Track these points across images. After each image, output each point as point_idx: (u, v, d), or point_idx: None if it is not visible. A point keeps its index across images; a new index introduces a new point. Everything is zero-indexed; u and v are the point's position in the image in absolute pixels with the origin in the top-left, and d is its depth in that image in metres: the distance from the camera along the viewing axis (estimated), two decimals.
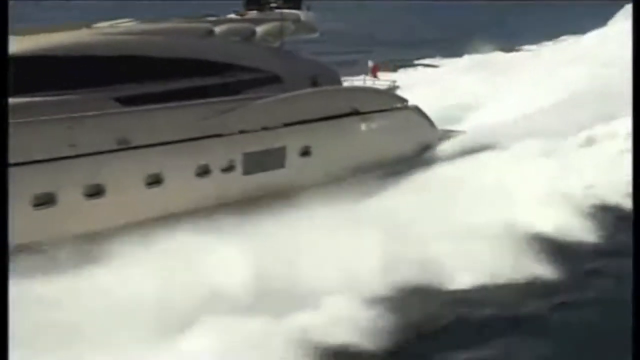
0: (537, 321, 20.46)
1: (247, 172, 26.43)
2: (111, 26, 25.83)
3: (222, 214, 22.54)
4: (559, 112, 38.23)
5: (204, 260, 20.33)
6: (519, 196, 27.29)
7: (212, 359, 16.81)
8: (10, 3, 16.46)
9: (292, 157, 27.85)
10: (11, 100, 15.41)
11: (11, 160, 15.20)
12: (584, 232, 26.35)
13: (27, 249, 18.65)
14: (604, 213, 28.04)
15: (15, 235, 14.49)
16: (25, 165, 20.30)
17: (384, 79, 34.98)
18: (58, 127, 21.66)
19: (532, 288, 22.22)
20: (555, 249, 24.53)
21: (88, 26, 25.89)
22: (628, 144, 26.81)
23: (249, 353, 17.11)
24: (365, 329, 18.60)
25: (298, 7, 31.13)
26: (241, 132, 26.26)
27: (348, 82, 33.47)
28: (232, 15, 29.58)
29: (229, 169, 25.97)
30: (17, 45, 19.83)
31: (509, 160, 31.24)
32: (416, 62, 70.92)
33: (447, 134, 36.28)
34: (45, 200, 21.27)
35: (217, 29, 26.85)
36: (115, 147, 22.62)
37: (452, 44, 75.87)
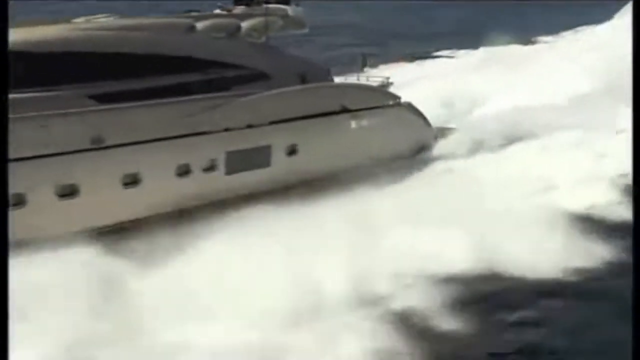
0: None
1: (230, 171, 25.69)
2: (89, 21, 25.10)
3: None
4: (583, 103, 38.62)
5: None
6: (557, 182, 28.63)
7: None
8: (11, 3, 15.96)
9: (278, 156, 27.09)
10: None
11: None
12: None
13: None
14: None
15: None
16: None
17: (377, 76, 34.20)
18: (30, 125, 20.94)
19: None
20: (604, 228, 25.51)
21: (67, 21, 25.24)
22: None
23: None
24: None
25: (287, 3, 30.37)
26: (224, 130, 25.54)
27: (343, 79, 32.92)
28: (218, 11, 28.80)
29: (211, 168, 25.24)
30: None
31: (541, 151, 32.41)
32: (434, 54, 71.90)
33: (442, 132, 35.50)
34: (14, 202, 20.52)
35: (199, 25, 26.10)
36: (89, 146, 21.91)
37: (468, 37, 76.53)
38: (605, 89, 40.31)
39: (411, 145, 32.16)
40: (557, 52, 59.89)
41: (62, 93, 21.87)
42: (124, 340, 16.95)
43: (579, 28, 79.22)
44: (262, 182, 26.51)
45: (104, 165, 22.39)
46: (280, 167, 27.11)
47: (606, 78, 42.30)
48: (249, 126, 26.24)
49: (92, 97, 22.63)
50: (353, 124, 29.70)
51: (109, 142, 22.32)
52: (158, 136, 23.58)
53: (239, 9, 29.00)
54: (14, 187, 20.47)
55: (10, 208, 20.39)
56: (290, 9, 29.50)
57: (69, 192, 21.79)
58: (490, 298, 21.04)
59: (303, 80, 28.58)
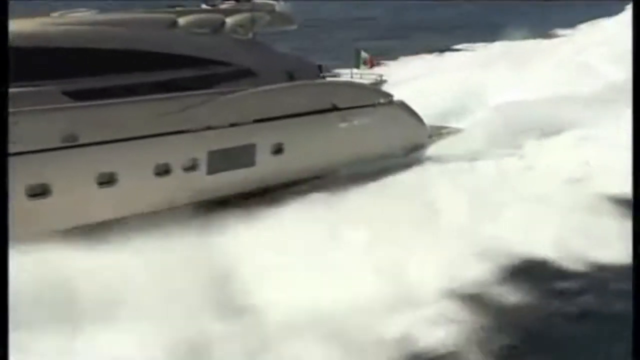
0: None
1: (212, 171, 25.01)
2: (67, 16, 24.44)
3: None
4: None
5: None
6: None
7: None
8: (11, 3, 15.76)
9: (263, 155, 26.39)
10: None
11: None
12: None
13: None
14: None
15: None
16: None
17: (370, 73, 33.45)
18: None
19: None
20: None
21: (46, 15, 24.59)
22: None
23: None
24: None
25: None
26: (206, 128, 24.86)
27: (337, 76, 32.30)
28: (204, 6, 28.09)
29: (192, 167, 24.57)
30: None
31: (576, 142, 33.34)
32: (455, 46, 73.52)
33: (439, 131, 34.71)
34: None
35: (182, 20, 25.42)
36: (60, 144, 21.26)
37: (487, 32, 77.85)
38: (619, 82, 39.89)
39: (403, 145, 31.34)
40: (571, 46, 60.43)
41: (35, 89, 21.22)
42: None
43: (594, 21, 78.84)
44: (246, 182, 25.86)
45: (77, 164, 21.73)
46: (265, 166, 26.43)
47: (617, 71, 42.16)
48: (233, 124, 25.56)
49: (66, 93, 21.96)
50: (342, 123, 28.96)
51: (83, 140, 21.66)
52: (135, 134, 22.91)
53: (226, 5, 28.30)
54: None
55: None
56: (277, 5, 28.75)
57: (40, 191, 21.17)
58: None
59: (291, 77, 27.87)
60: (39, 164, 20.89)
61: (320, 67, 31.36)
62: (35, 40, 21.99)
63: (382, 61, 34.52)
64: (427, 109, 34.67)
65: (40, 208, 21.03)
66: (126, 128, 22.75)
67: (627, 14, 63.01)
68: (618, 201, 26.10)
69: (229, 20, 26.73)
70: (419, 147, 32.53)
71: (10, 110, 20.11)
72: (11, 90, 20.47)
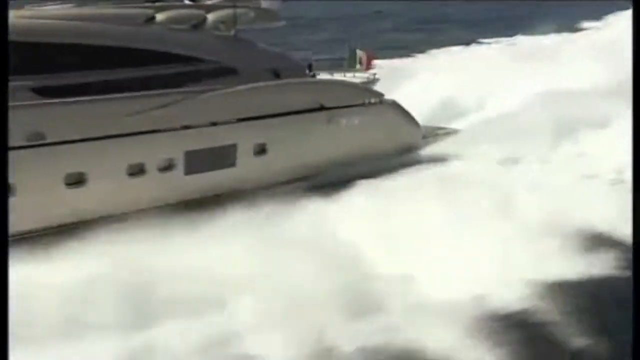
0: None
1: (190, 171, 24.21)
2: (38, 9, 23.72)
3: None
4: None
5: None
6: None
7: None
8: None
9: (245, 156, 25.55)
10: None
11: None
12: None
13: None
14: None
15: None
16: None
17: (364, 72, 32.58)
18: None
19: None
20: None
21: (20, 8, 23.86)
22: None
23: None
24: None
25: None
26: (184, 127, 24.09)
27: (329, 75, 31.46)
28: (187, 2, 27.30)
29: (168, 168, 23.78)
30: None
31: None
32: (480, 40, 73.71)
33: (434, 132, 33.79)
34: None
35: (160, 16, 24.61)
36: (25, 142, 20.51)
37: (513, 26, 79.20)
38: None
39: (395, 145, 30.36)
40: (598, 37, 59.95)
41: None
42: None
43: (618, 12, 78.11)
44: (226, 183, 25.03)
45: (44, 164, 20.98)
46: (246, 167, 25.60)
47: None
48: (213, 124, 24.76)
49: (35, 90, 21.23)
50: (329, 123, 28.06)
51: (50, 139, 20.90)
52: (107, 133, 22.14)
53: (209, 0, 27.50)
54: None
55: None
56: (263, 1, 27.91)
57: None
58: None
59: (276, 75, 27.03)
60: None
61: (310, 66, 30.58)
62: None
63: (375, 60, 33.41)
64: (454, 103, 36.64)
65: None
66: (97, 126, 21.96)
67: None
68: None
69: (211, 17, 25.89)
70: (412, 148, 31.59)
71: None
72: None
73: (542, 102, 35.56)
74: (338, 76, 31.75)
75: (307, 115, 27.31)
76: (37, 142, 20.72)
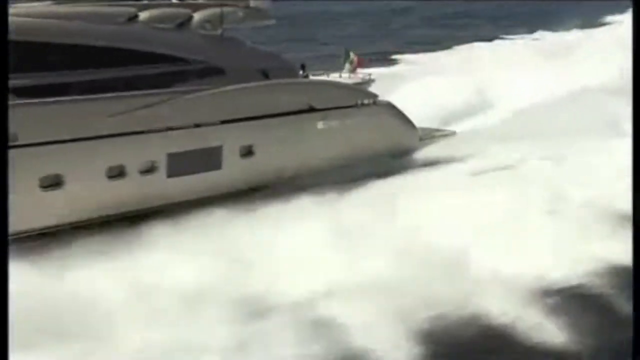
0: None
1: (172, 174, 23.61)
2: (15, 7, 23.10)
3: None
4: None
5: None
6: None
7: None
8: None
9: (231, 158, 24.94)
10: None
11: None
12: None
13: None
14: None
15: None
16: None
17: (359, 72, 31.93)
18: None
19: None
20: None
21: None
22: None
23: None
24: None
25: None
26: (167, 129, 23.48)
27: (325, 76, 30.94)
28: (173, 0, 26.68)
29: (149, 170, 23.19)
30: None
31: None
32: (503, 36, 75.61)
33: (432, 134, 33.07)
34: None
35: (144, 14, 24.00)
36: None
37: (537, 22, 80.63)
38: None
39: (389, 148, 29.69)
40: (611, 36, 59.58)
41: None
42: None
43: None
44: (211, 186, 24.43)
45: (17, 166, 20.36)
46: (233, 169, 24.99)
47: None
48: (197, 125, 24.16)
49: (12, 90, 20.63)
50: (320, 124, 27.42)
51: (22, 141, 20.30)
52: (86, 135, 21.57)
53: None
54: None
55: None
56: (252, 1, 27.24)
57: None
58: None
59: (265, 76, 26.40)
60: None
61: (302, 66, 29.96)
62: None
63: (369, 62, 33.00)
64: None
65: None
66: (75, 127, 21.40)
67: None
68: None
69: (197, 16, 25.27)
70: (408, 150, 30.90)
71: None
72: None
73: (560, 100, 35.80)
74: (334, 77, 31.18)
75: (296, 116, 26.68)
76: (10, 143, 20.10)
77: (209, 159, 24.45)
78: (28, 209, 20.58)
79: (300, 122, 26.79)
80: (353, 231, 21.93)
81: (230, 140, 24.86)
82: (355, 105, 28.69)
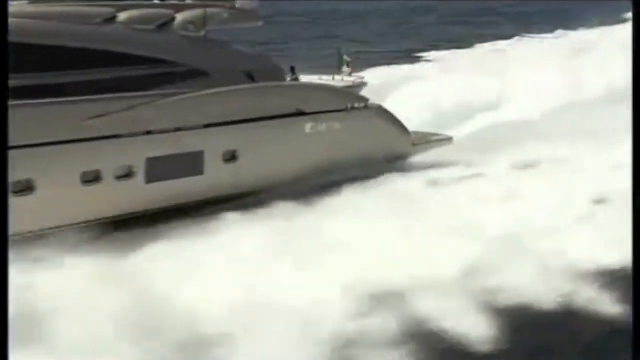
0: None
1: (151, 179, 22.92)
2: None
3: None
4: None
5: None
6: None
7: None
8: None
9: (213, 163, 24.24)
10: None
11: None
12: None
13: None
14: None
15: None
16: None
17: (350, 76, 31.18)
18: None
19: None
20: None
21: None
22: None
23: None
24: None
25: None
26: (145, 133, 22.80)
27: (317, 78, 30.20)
28: (156, 1, 26.02)
29: (127, 175, 22.51)
30: None
31: None
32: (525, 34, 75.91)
33: (425, 139, 32.23)
34: None
35: (123, 15, 23.32)
36: None
37: (558, 20, 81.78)
38: None
39: (380, 152, 28.89)
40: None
41: None
42: None
43: None
44: (192, 192, 23.74)
45: None
46: (215, 175, 24.29)
47: None
48: (178, 129, 23.47)
49: None
50: (308, 129, 26.68)
51: None
52: (58, 138, 20.91)
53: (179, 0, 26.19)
54: None
55: None
56: (239, 2, 26.53)
57: None
58: None
59: (251, 78, 25.68)
60: None
61: (292, 69, 29.26)
62: None
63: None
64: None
65: None
66: (48, 131, 20.75)
67: None
68: None
69: (180, 17, 24.59)
70: (400, 155, 30.10)
71: None
72: None
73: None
74: (326, 80, 30.44)
75: (282, 120, 25.96)
76: None
77: (191, 164, 23.77)
78: None
79: (287, 126, 26.08)
80: None
81: (213, 144, 24.18)
82: (345, 109, 27.93)
